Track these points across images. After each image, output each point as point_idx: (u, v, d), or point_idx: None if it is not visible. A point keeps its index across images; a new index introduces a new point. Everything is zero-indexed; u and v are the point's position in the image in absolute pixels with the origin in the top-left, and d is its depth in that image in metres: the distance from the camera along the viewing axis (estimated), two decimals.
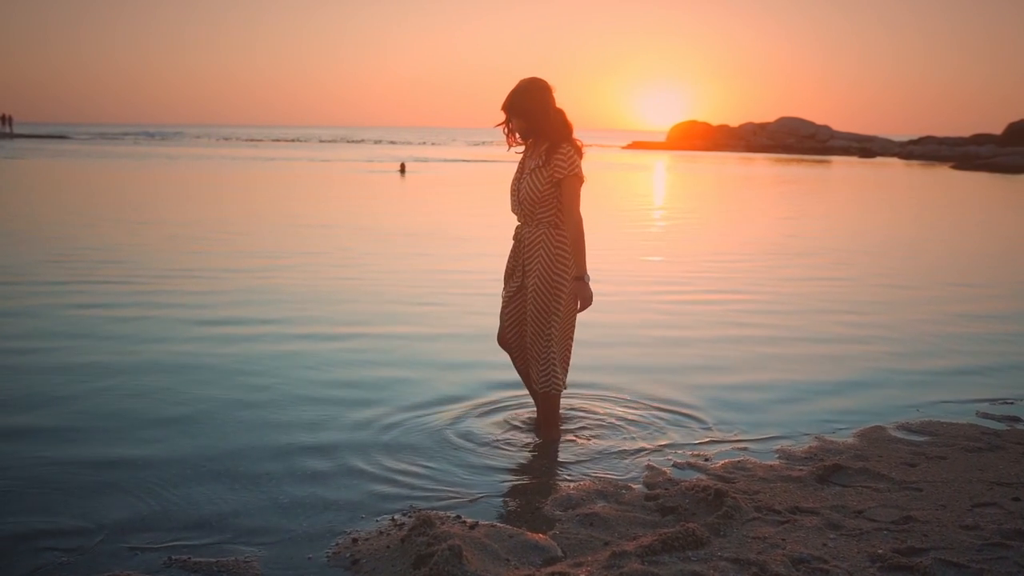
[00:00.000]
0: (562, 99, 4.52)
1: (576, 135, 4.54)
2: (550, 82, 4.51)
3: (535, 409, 5.08)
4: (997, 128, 68.80)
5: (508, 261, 4.71)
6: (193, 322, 7.46)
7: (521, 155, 4.65)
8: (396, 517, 3.82)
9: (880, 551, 3.38)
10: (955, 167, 49.37)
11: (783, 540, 3.51)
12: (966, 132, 71.19)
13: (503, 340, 4.81)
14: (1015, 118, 66.78)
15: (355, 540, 3.60)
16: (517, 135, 4.56)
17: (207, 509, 3.84)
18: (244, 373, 5.89)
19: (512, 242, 4.70)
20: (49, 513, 3.75)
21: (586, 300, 4.47)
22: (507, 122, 4.53)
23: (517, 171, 4.61)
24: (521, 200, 4.50)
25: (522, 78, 4.49)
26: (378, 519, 3.80)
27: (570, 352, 4.72)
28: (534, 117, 4.44)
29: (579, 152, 4.47)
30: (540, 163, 4.44)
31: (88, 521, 3.70)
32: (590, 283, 4.48)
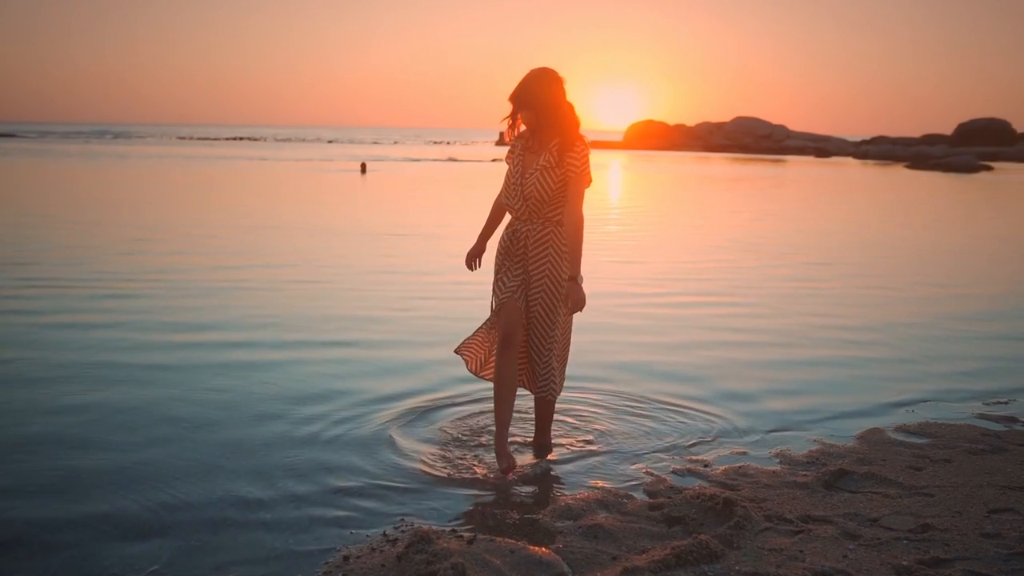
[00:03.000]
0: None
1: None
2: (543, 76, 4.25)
3: (522, 412, 4.90)
4: (947, 129, 70.08)
5: (498, 256, 4.43)
6: (135, 329, 6.93)
7: (512, 146, 4.38)
8: (388, 532, 3.59)
9: (904, 562, 3.22)
10: (910, 167, 50.05)
11: (801, 552, 3.34)
12: (917, 132, 72.45)
13: (515, 325, 4.27)
14: (964, 119, 68.07)
15: (346, 558, 3.36)
16: (518, 128, 4.31)
17: (187, 534, 3.57)
18: (210, 389, 5.43)
19: (505, 236, 4.44)
20: None
21: (577, 302, 4.20)
22: (513, 114, 4.28)
23: (515, 164, 4.33)
24: (527, 197, 4.24)
25: (532, 68, 4.25)
26: (368, 534, 3.58)
27: (567, 357, 4.51)
28: (544, 110, 4.18)
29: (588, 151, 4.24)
30: (552, 161, 4.18)
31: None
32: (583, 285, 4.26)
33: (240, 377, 5.67)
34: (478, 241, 4.55)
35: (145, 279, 9.19)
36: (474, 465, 4.33)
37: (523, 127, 4.32)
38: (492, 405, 5.06)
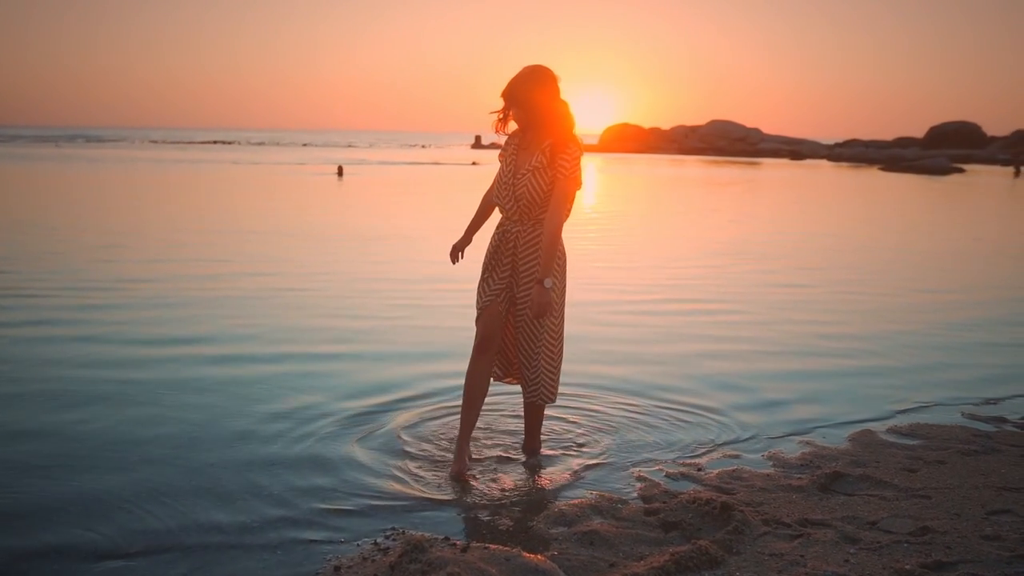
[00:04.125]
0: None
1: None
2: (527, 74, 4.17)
3: (508, 414, 4.83)
4: (919, 131, 70.80)
5: (486, 256, 4.35)
6: (104, 342, 6.55)
7: (505, 145, 4.29)
8: (379, 540, 3.50)
9: (907, 566, 3.17)
10: (884, 169, 50.45)
11: (802, 556, 3.29)
12: (889, 135, 73.05)
13: (494, 329, 4.27)
14: (935, 121, 68.78)
15: (337, 568, 3.27)
16: (508, 124, 4.23)
17: (163, 564, 3.44)
18: (182, 406, 5.10)
19: (495, 236, 4.35)
20: None
21: (539, 307, 4.03)
22: (505, 111, 4.20)
23: (507, 163, 4.24)
24: (518, 198, 4.15)
25: (525, 65, 4.17)
26: (359, 543, 3.48)
27: (560, 362, 4.42)
28: (534, 109, 4.09)
29: (581, 153, 4.15)
30: (544, 162, 4.09)
31: None
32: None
33: (214, 392, 5.35)
34: (464, 234, 4.47)
35: (116, 288, 8.80)
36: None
37: (515, 125, 4.25)
38: (485, 408, 5.01)
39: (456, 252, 4.48)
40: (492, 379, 4.42)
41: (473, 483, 4.09)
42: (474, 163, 49.55)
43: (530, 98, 4.07)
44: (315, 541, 3.50)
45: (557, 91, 4.12)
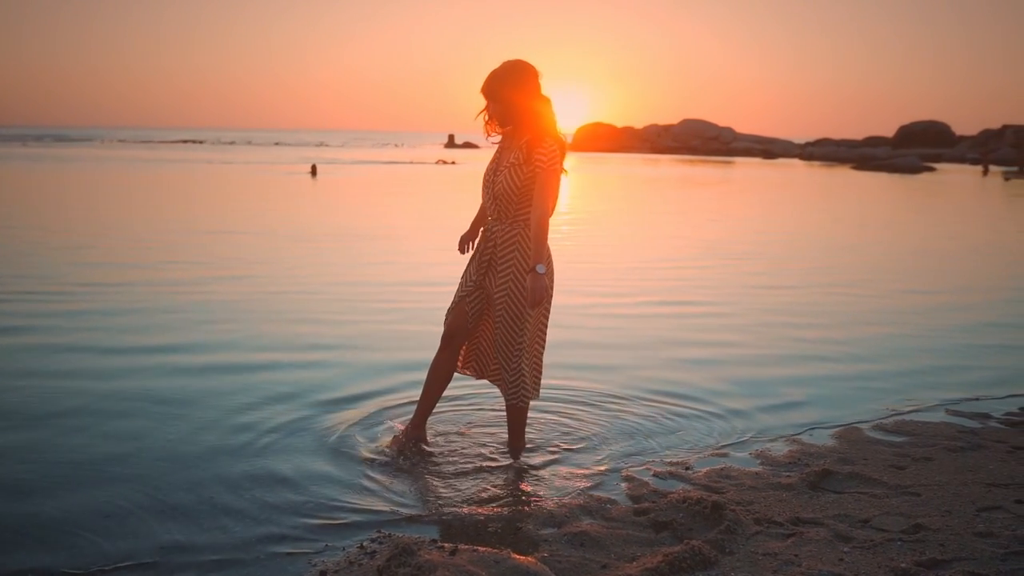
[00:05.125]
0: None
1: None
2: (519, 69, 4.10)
3: (491, 414, 4.77)
4: (888, 131, 71.49)
5: (474, 253, 4.31)
6: (69, 351, 6.22)
7: (498, 144, 4.24)
8: (365, 543, 3.42)
9: (903, 565, 3.14)
10: (856, 168, 50.84)
11: (796, 556, 3.25)
12: (860, 135, 73.68)
13: (459, 327, 4.29)
14: (905, 121, 69.49)
15: (323, 573, 3.20)
16: (495, 124, 4.17)
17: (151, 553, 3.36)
18: (157, 417, 5.09)
19: (480, 236, 4.31)
20: None
21: (535, 293, 3.93)
22: (487, 108, 4.13)
23: (492, 162, 4.21)
24: (496, 195, 4.09)
25: (505, 60, 4.10)
26: (344, 547, 3.40)
27: (541, 360, 4.37)
28: (509, 104, 4.03)
29: (562, 149, 4.08)
30: (521, 158, 4.03)
31: None
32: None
33: (187, 404, 5.06)
34: (470, 227, 4.42)
35: (82, 292, 8.49)
36: (446, 470, 4.17)
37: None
38: (452, 406, 5.03)
39: (464, 243, 4.43)
40: (458, 371, 4.43)
41: (460, 485, 4.02)
42: (440, 162, 49.35)
43: (507, 95, 4.02)
44: (296, 553, 3.38)
45: (536, 87, 4.05)
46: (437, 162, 49.12)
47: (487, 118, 4.16)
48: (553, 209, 4.06)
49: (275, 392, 5.32)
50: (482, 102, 4.16)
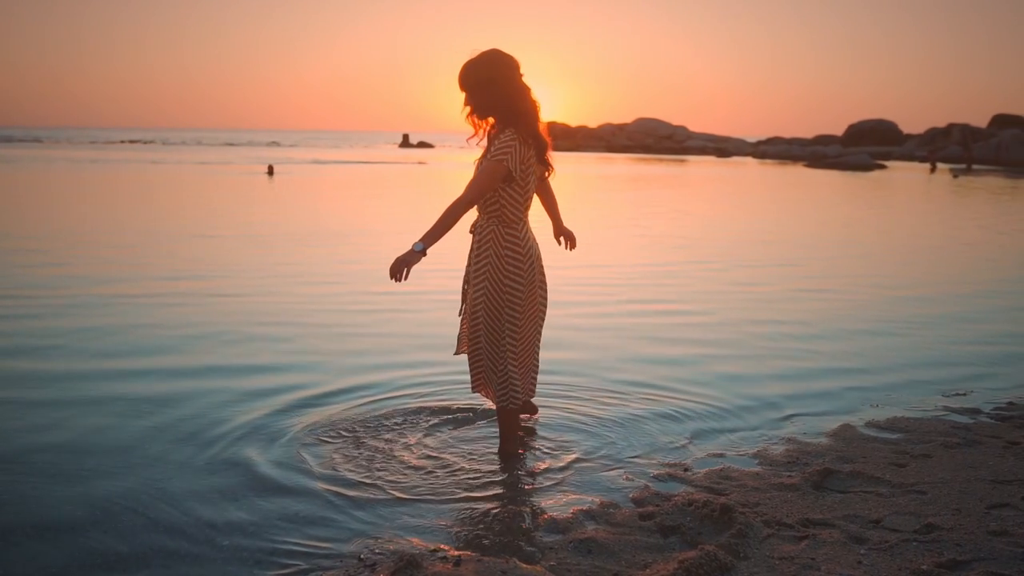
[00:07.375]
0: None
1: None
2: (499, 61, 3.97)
3: (483, 421, 4.65)
4: (838, 129, 72.63)
5: (469, 251, 4.21)
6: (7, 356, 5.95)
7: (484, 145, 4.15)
8: (363, 556, 3.27)
9: (923, 567, 3.06)
10: (808, 166, 51.45)
11: (813, 559, 3.16)
12: (810, 133, 74.68)
13: (461, 332, 4.32)
14: (853, 119, 70.55)
15: None
16: (477, 117, 4.04)
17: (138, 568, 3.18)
18: (94, 429, 5.00)
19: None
20: None
21: (394, 263, 3.65)
22: (466, 100, 4.01)
23: (479, 158, 4.13)
24: None
25: (482, 49, 3.97)
26: (341, 560, 3.25)
27: (532, 360, 4.25)
28: (490, 96, 3.92)
29: (537, 143, 3.96)
30: (486, 152, 3.98)
31: None
32: (418, 261, 3.73)
33: (136, 407, 4.91)
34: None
35: (21, 296, 8.21)
36: (441, 477, 4.02)
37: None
38: (415, 404, 4.99)
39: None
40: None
41: (456, 492, 3.88)
42: (419, 163, 49.01)
43: (472, 84, 3.91)
44: (291, 556, 3.26)
45: (510, 77, 3.93)
46: (418, 163, 48.71)
47: (474, 123, 4.04)
48: (475, 200, 3.93)
49: (259, 395, 5.15)
50: (462, 98, 4.06)
